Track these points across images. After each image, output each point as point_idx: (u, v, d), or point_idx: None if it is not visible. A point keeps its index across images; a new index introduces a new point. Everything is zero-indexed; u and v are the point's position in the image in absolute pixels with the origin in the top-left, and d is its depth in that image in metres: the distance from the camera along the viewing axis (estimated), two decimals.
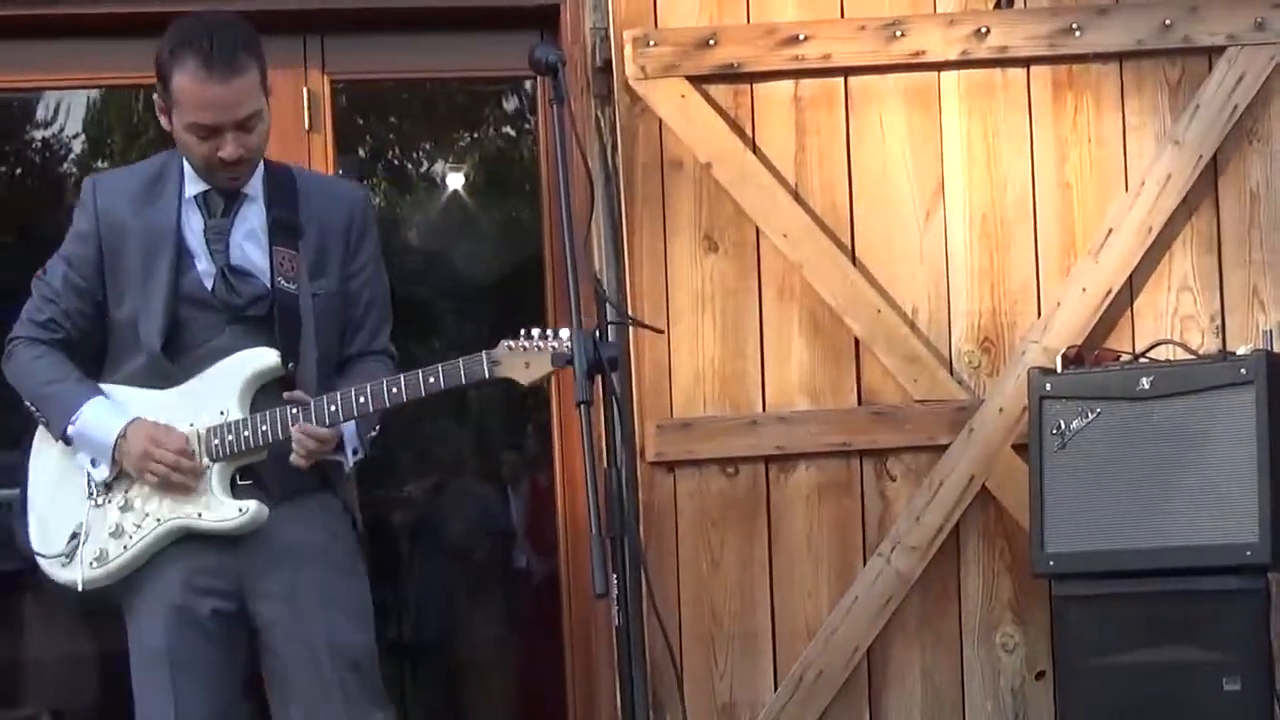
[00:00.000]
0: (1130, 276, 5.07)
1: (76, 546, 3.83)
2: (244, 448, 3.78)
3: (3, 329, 3.99)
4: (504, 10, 5.23)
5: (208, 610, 3.79)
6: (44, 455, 3.93)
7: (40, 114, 9.08)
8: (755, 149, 5.08)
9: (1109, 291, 5.04)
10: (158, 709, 3.79)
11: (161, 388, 3.83)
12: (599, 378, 3.53)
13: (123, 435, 3.80)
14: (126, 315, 3.85)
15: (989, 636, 5.07)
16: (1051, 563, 4.65)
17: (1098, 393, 4.64)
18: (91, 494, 3.85)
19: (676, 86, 5.03)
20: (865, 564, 5.02)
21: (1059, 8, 5.11)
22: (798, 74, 5.09)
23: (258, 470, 3.83)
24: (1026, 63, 5.11)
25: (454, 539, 8.44)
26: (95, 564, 3.82)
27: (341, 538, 3.92)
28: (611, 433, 3.64)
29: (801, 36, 5.06)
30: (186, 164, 3.84)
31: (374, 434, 3.94)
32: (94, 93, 8.91)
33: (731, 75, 5.07)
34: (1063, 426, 4.66)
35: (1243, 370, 4.50)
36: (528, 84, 8.16)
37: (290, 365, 3.82)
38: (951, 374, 5.07)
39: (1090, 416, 4.64)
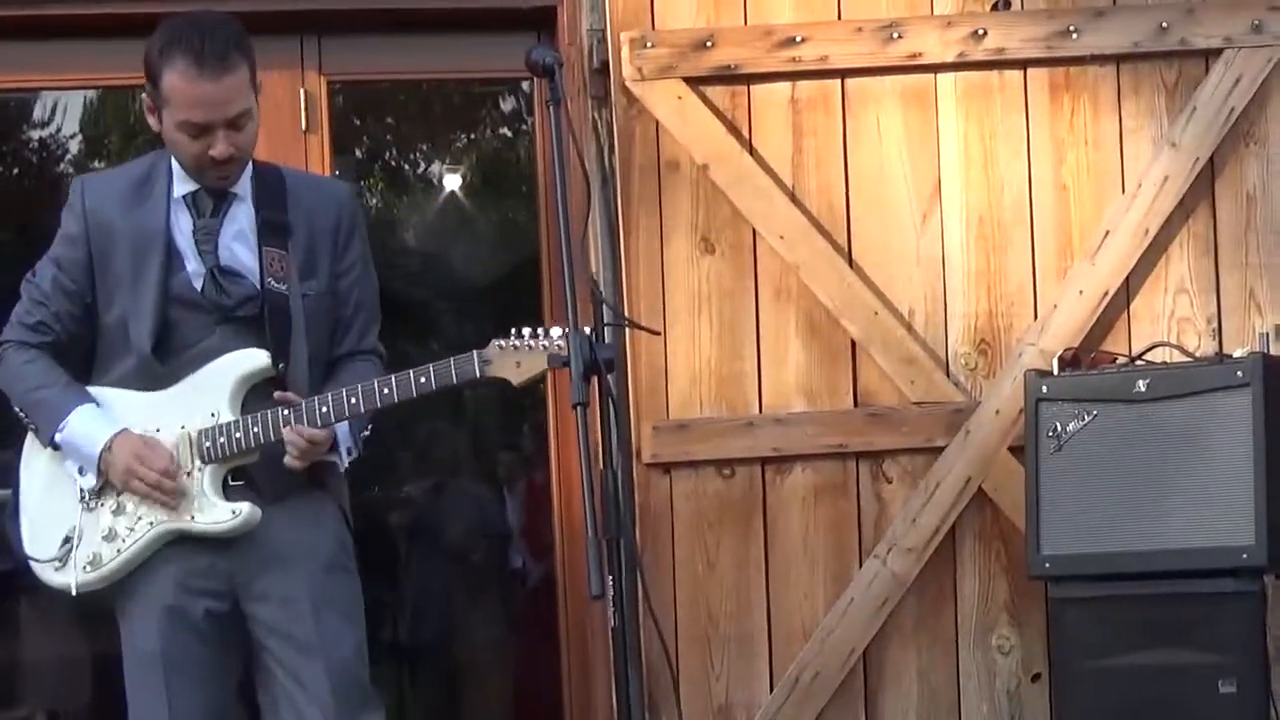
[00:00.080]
0: (1127, 279, 5.06)
1: (69, 550, 3.82)
2: (235, 449, 3.77)
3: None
4: (501, 11, 5.23)
5: (201, 611, 3.78)
6: (35, 458, 3.92)
7: (37, 114, 9.08)
8: (752, 150, 5.07)
9: (1106, 293, 5.04)
10: (152, 711, 3.78)
11: (152, 389, 3.82)
12: (595, 379, 3.53)
13: (108, 448, 3.79)
14: (116, 317, 3.83)
15: (985, 638, 5.06)
16: (1048, 565, 4.64)
17: (1094, 395, 4.64)
18: (83, 498, 3.84)
19: (673, 88, 5.03)
20: (861, 566, 5.02)
21: (1056, 10, 5.11)
22: (795, 76, 5.08)
23: (249, 471, 3.82)
24: (1023, 65, 5.11)
25: (450, 540, 8.42)
26: (89, 568, 3.81)
27: (333, 537, 3.90)
28: (608, 434, 3.64)
29: (798, 38, 5.06)
30: (175, 164, 3.84)
31: (366, 433, 3.93)
32: (91, 93, 8.91)
33: (728, 77, 5.06)
34: (1059, 429, 4.66)
35: (1239, 373, 4.50)
36: (525, 85, 8.17)
37: (281, 366, 3.81)
38: (948, 376, 5.07)
39: (1087, 419, 4.63)
